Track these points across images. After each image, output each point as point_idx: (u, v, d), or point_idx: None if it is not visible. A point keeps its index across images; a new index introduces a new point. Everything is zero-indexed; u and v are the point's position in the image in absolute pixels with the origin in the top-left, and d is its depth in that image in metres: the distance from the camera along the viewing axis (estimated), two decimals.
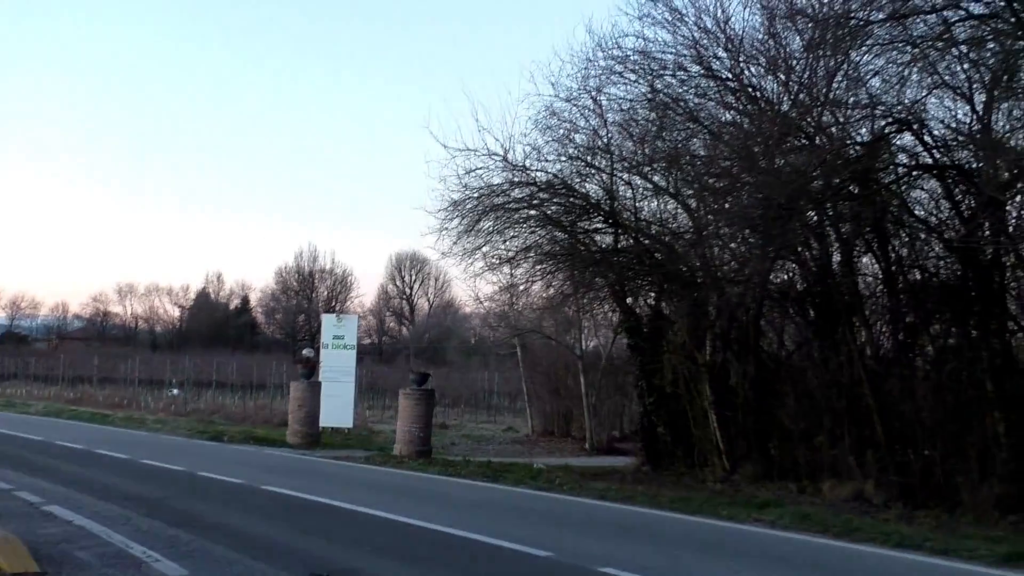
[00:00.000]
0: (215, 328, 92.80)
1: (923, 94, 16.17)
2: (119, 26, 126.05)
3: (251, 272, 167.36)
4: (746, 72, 17.90)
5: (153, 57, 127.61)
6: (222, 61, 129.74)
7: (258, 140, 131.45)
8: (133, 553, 9.53)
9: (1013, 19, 13.83)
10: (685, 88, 18.57)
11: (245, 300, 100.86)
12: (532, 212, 21.12)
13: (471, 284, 34.62)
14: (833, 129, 16.70)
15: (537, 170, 20.85)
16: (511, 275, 23.68)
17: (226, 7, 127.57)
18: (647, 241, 21.07)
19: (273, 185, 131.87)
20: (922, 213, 17.42)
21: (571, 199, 21.11)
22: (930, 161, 16.56)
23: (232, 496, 14.80)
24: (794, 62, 17.16)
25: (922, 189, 17.58)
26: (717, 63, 18.06)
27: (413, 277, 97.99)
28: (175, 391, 47.38)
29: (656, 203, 21.73)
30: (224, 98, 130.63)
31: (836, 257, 18.25)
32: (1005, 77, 14.74)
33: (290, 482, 16.10)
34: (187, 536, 10.59)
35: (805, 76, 16.79)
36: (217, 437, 26.95)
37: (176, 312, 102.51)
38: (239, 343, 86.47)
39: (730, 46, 17.77)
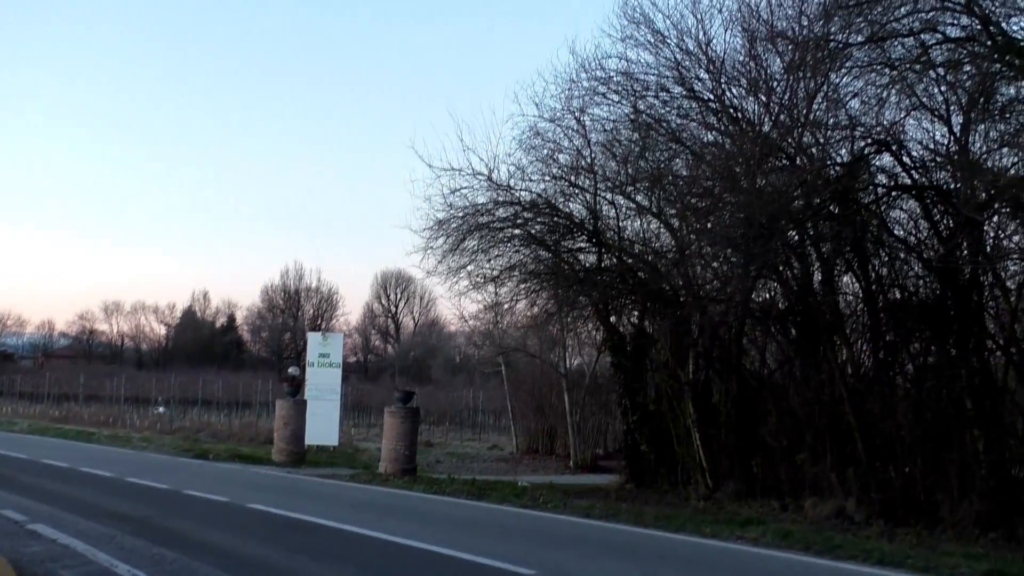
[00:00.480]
0: (201, 346, 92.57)
1: (901, 115, 16.37)
2: (103, 40, 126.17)
3: (237, 290, 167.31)
4: (727, 93, 18.09)
5: (139, 72, 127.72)
6: (208, 79, 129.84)
7: (244, 159, 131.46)
8: (118, 572, 9.57)
9: (989, 42, 14.02)
10: (667, 109, 18.76)
11: (231, 318, 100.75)
12: (516, 231, 21.24)
13: (456, 303, 34.78)
14: (813, 150, 16.88)
15: (521, 190, 21.00)
16: (495, 294, 23.80)
17: (212, 27, 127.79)
18: (630, 260, 21.20)
19: (259, 204, 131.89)
20: (901, 233, 17.59)
21: (555, 218, 21.24)
22: (909, 182, 16.76)
23: (217, 514, 14.83)
24: (775, 84, 17.35)
25: (901, 209, 17.76)
26: (699, 84, 18.26)
27: (398, 295, 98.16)
28: (161, 409, 47.26)
29: (639, 222, 21.89)
30: (210, 116, 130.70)
31: (817, 276, 18.40)
32: (981, 99, 14.93)
33: (275, 500, 16.12)
34: (172, 555, 10.62)
35: (786, 97, 16.98)
36: (202, 455, 26.93)
37: (162, 330, 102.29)
38: (225, 361, 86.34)
39: (712, 68, 17.96)
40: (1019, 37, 14.00)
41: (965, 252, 15.89)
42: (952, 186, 16.06)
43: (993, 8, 13.95)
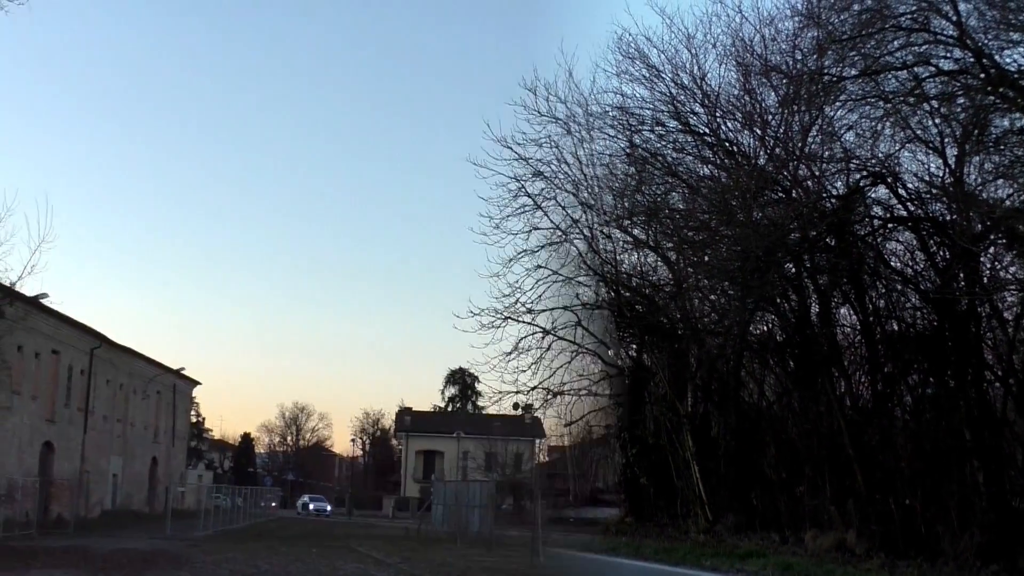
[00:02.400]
0: None
1: (896, 148, 16.50)
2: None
3: None
4: (723, 127, 18.21)
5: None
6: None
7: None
8: None
9: (982, 75, 14.09)
10: (663, 143, 18.89)
11: None
12: None
13: None
14: (809, 182, 16.94)
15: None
16: None
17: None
18: (628, 293, 21.24)
19: None
20: (898, 264, 17.63)
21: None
22: (905, 213, 16.81)
23: None
24: (770, 117, 17.46)
25: (897, 241, 17.83)
26: (694, 118, 18.38)
27: None
28: None
29: (636, 256, 22.02)
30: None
31: (814, 308, 18.43)
32: (976, 131, 15.00)
33: None
34: None
35: (781, 131, 17.08)
36: None
37: None
38: None
39: (707, 102, 18.06)
40: (1012, 70, 14.07)
41: (962, 283, 15.93)
42: (948, 217, 16.12)
43: (986, 41, 14.03)
